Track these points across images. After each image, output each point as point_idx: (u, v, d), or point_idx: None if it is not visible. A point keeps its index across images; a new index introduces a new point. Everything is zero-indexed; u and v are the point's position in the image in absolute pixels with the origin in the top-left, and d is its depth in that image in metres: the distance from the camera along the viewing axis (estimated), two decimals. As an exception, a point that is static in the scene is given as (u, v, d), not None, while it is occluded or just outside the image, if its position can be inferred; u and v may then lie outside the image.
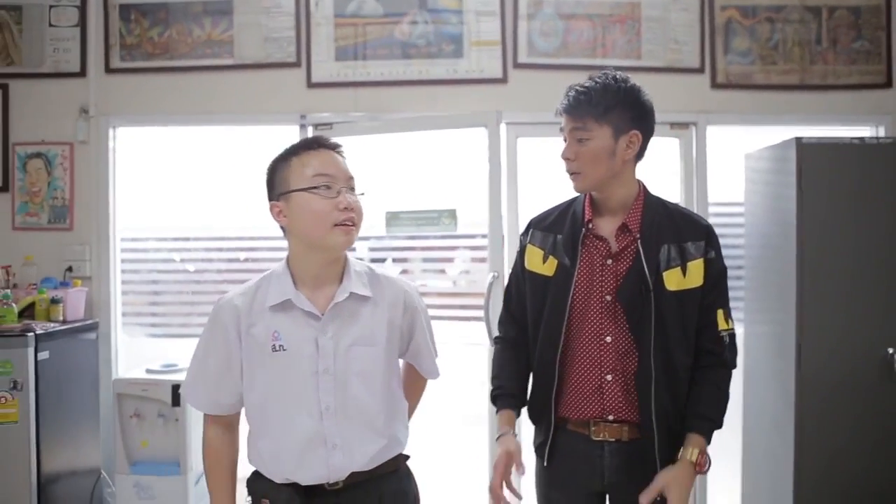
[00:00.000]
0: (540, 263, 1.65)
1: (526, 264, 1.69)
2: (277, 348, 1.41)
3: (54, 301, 2.91)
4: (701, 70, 3.19)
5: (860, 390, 2.58)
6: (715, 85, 3.19)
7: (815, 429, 2.57)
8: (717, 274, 1.60)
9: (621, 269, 1.58)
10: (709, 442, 1.59)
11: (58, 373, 2.75)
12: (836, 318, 2.60)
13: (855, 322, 2.60)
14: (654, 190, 1.72)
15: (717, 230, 1.70)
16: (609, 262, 1.59)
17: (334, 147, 1.47)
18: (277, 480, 1.42)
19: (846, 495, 2.56)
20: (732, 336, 1.63)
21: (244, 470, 1.53)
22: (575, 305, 1.58)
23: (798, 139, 2.63)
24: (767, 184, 2.89)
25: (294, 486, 1.41)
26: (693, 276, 1.57)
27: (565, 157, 1.61)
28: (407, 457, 1.55)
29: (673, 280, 1.56)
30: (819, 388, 2.58)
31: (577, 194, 1.70)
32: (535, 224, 1.73)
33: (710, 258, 1.60)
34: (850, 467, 2.56)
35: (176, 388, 2.74)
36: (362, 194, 1.46)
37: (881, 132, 3.22)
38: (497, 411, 1.66)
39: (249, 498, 1.47)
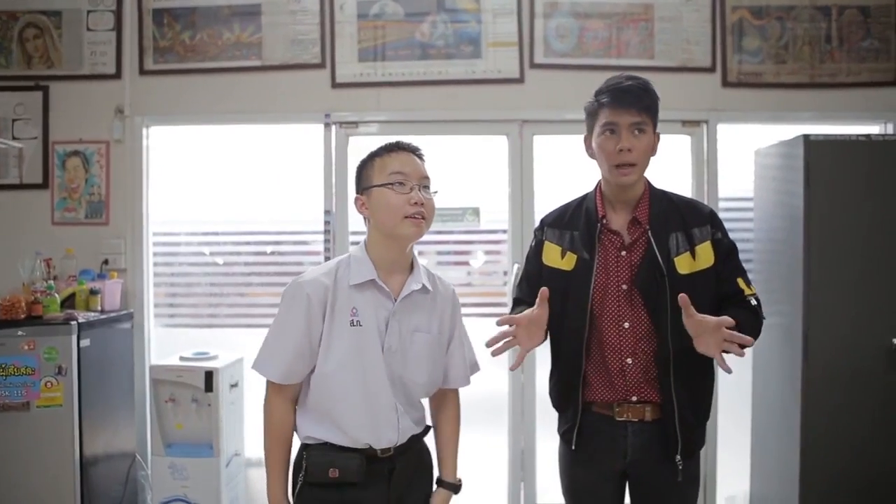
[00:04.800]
0: (558, 259, 1.76)
1: (544, 260, 1.79)
2: (355, 323, 1.59)
3: (93, 292, 3.07)
4: (712, 69, 3.28)
5: (865, 380, 2.67)
6: (726, 83, 3.28)
7: (821, 417, 2.66)
8: (726, 250, 1.70)
9: (635, 259, 1.69)
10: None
11: (97, 360, 2.90)
12: (843, 310, 2.69)
13: (860, 313, 2.69)
14: (666, 185, 1.82)
15: (727, 224, 1.80)
16: (623, 253, 1.70)
17: (414, 150, 1.66)
18: (354, 445, 1.58)
19: (851, 481, 2.66)
20: (758, 299, 1.69)
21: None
22: (595, 296, 1.69)
23: (805, 136, 2.72)
24: (776, 179, 2.97)
25: (360, 453, 1.58)
26: (703, 258, 1.67)
27: (624, 149, 1.64)
28: (429, 427, 1.77)
29: (685, 264, 1.66)
30: (825, 377, 2.67)
31: (587, 191, 1.81)
32: (549, 223, 1.83)
33: (717, 238, 1.70)
34: (854, 455, 2.65)
35: (209, 374, 2.88)
36: (436, 192, 1.65)
37: (890, 129, 3.29)
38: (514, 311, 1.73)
39: (303, 476, 1.59)
